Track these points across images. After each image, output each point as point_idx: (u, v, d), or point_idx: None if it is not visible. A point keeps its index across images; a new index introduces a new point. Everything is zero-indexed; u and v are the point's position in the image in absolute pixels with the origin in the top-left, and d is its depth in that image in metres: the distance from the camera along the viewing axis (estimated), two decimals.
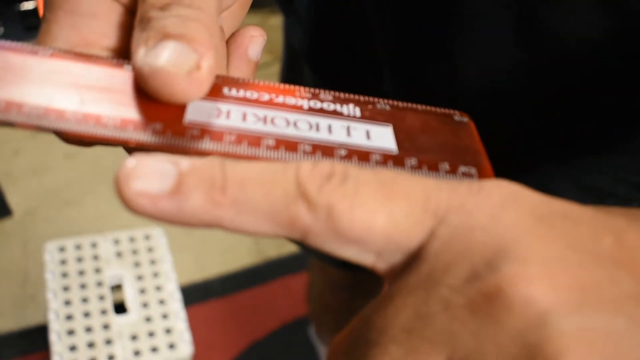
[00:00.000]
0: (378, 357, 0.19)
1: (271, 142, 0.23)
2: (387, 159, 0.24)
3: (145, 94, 0.23)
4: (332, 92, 0.26)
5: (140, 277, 1.18)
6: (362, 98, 0.26)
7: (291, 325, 1.38)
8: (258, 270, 1.50)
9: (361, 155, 0.24)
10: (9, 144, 1.68)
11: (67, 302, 1.12)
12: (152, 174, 0.19)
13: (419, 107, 0.27)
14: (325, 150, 0.23)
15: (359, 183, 0.20)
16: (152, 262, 1.21)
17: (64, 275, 1.16)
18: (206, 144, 0.23)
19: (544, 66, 0.43)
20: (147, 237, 1.24)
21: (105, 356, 1.05)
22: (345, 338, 0.22)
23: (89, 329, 1.09)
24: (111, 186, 1.60)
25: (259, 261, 1.52)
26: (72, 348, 1.06)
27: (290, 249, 1.54)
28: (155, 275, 1.19)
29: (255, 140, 0.23)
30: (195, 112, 0.24)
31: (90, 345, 1.07)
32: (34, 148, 1.68)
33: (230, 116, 0.24)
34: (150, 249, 1.23)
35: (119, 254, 1.21)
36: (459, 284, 0.19)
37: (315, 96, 0.26)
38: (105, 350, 1.06)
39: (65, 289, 1.14)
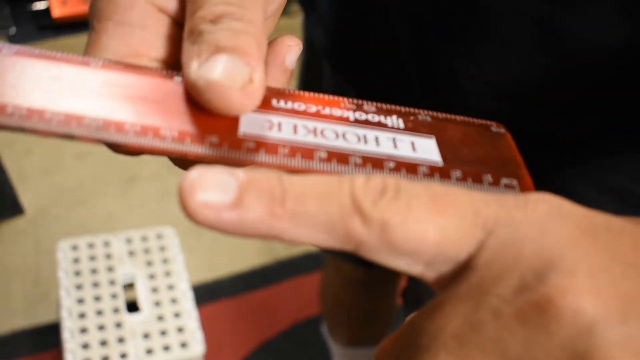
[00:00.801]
0: None
1: (323, 155, 0.24)
2: (433, 171, 0.24)
3: (198, 106, 0.24)
4: (374, 104, 0.27)
5: (152, 276, 1.18)
6: (403, 109, 0.27)
7: (302, 325, 1.39)
8: (269, 270, 1.51)
9: (409, 168, 0.24)
10: (21, 143, 1.69)
11: (80, 300, 1.12)
12: (215, 186, 0.20)
13: (458, 118, 0.27)
14: (374, 162, 0.24)
15: (410, 197, 0.21)
16: (164, 261, 1.21)
17: (77, 273, 1.16)
18: (262, 157, 0.23)
19: (564, 69, 0.44)
20: (159, 237, 1.25)
21: (118, 354, 1.06)
22: (393, 343, 0.22)
23: (101, 327, 1.09)
24: (122, 186, 1.61)
25: (270, 261, 1.52)
26: (85, 346, 1.06)
27: (301, 249, 1.54)
28: (167, 274, 1.19)
29: (308, 152, 0.24)
30: (249, 125, 0.24)
31: (103, 343, 1.07)
32: (45, 147, 1.69)
33: (282, 128, 0.24)
34: (162, 248, 1.23)
35: (131, 253, 1.21)
36: (509, 294, 0.20)
37: (359, 107, 0.26)
38: (117, 349, 1.06)
39: (78, 287, 1.14)
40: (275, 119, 0.25)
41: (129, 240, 1.23)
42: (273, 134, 0.24)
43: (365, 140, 0.25)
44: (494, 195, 0.21)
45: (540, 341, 0.19)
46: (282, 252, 1.54)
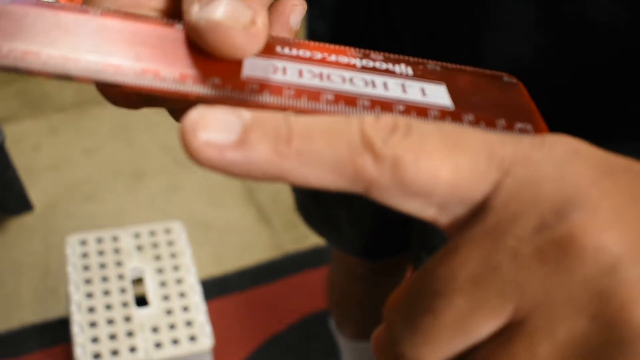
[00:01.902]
0: (443, 308, 0.20)
1: (330, 97, 0.23)
2: (444, 115, 0.24)
3: (200, 51, 0.23)
4: (382, 53, 0.26)
5: (160, 270, 1.19)
6: (411, 59, 0.26)
7: (310, 319, 1.39)
8: (276, 264, 1.51)
9: (419, 111, 0.23)
10: (29, 139, 1.69)
11: (89, 295, 1.13)
12: (218, 125, 0.19)
13: (468, 68, 0.27)
14: (383, 105, 0.23)
15: (423, 135, 0.20)
16: (173, 255, 1.21)
17: (86, 268, 1.17)
18: (266, 98, 0.22)
19: (565, 53, 0.44)
20: (167, 231, 1.25)
21: (127, 348, 1.06)
22: (406, 290, 0.21)
23: (110, 321, 1.10)
24: (130, 181, 1.61)
25: (278, 256, 1.52)
26: (94, 340, 1.07)
27: (309, 243, 1.54)
28: (176, 268, 1.20)
29: (314, 94, 0.23)
30: (252, 69, 0.23)
31: (112, 337, 1.08)
32: (54, 143, 1.70)
33: (287, 72, 0.24)
34: (170, 243, 1.23)
35: (139, 248, 1.22)
36: (527, 234, 0.19)
37: (366, 56, 0.26)
38: (126, 342, 1.07)
39: (87, 281, 1.15)
40: (279, 63, 0.24)
41: (137, 235, 1.24)
42: (277, 77, 0.23)
43: (374, 85, 0.24)
44: (510, 137, 0.21)
45: (560, 280, 0.19)
46: (289, 246, 1.54)
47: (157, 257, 1.21)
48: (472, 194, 0.20)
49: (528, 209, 0.19)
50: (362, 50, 0.26)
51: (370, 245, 0.81)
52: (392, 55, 0.26)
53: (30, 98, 1.81)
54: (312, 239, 1.54)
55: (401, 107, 0.23)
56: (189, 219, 1.50)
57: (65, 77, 0.21)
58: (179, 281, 1.18)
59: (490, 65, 0.46)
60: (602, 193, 0.19)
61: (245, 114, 0.19)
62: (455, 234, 0.21)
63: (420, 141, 0.20)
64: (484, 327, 0.20)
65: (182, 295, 1.15)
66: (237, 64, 0.23)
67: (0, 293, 1.38)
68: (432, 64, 0.26)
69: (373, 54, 0.26)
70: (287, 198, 1.61)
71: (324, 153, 0.19)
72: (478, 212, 0.20)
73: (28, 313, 1.35)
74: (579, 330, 0.19)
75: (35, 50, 0.22)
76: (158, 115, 1.81)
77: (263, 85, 0.23)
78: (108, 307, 1.12)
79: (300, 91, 0.23)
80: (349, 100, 0.23)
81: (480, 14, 0.45)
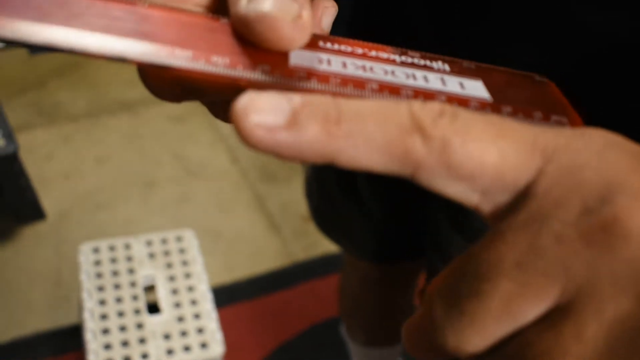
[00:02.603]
0: (489, 292, 0.20)
1: (375, 86, 0.24)
2: (484, 106, 0.24)
3: (248, 43, 0.24)
4: (418, 51, 0.27)
5: (172, 278, 1.20)
6: (447, 57, 0.27)
7: (320, 326, 1.39)
8: (286, 273, 1.51)
9: (460, 101, 0.24)
10: (42, 148, 1.71)
11: (102, 302, 1.14)
12: (268, 107, 0.19)
13: (500, 68, 0.27)
14: (426, 95, 0.24)
15: (469, 121, 0.20)
16: (184, 263, 1.22)
17: (98, 275, 1.18)
18: (314, 85, 0.23)
19: (575, 63, 0.44)
20: (178, 239, 1.26)
21: (139, 355, 1.07)
22: (449, 276, 0.22)
23: (123, 328, 1.10)
24: (141, 190, 1.63)
25: (287, 264, 1.53)
26: (107, 346, 1.08)
27: (318, 252, 1.55)
28: (187, 276, 1.20)
29: (359, 83, 0.24)
30: (299, 59, 0.24)
31: (125, 344, 1.08)
32: (66, 153, 1.71)
33: (331, 64, 0.24)
34: (182, 251, 1.24)
35: (151, 255, 1.23)
36: (572, 217, 0.19)
37: (404, 53, 0.26)
38: (138, 349, 1.08)
39: (100, 289, 1.16)
40: (324, 56, 0.25)
41: (149, 243, 1.25)
42: (323, 67, 0.24)
43: (414, 78, 0.25)
44: (550, 127, 0.21)
45: (605, 262, 0.19)
46: (299, 255, 1.55)
47: (169, 265, 1.22)
48: (516, 180, 0.20)
49: (571, 195, 0.20)
50: (400, 48, 0.27)
51: (383, 249, 0.82)
52: (428, 54, 0.27)
53: (43, 107, 1.83)
54: (321, 247, 1.55)
55: (443, 98, 0.24)
56: (200, 228, 1.51)
57: (120, 59, 0.22)
58: (190, 289, 1.18)
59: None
60: None
61: (295, 97, 0.20)
62: (497, 221, 0.21)
63: (467, 126, 0.20)
64: (530, 311, 0.20)
65: (193, 302, 1.16)
66: (284, 54, 0.24)
67: (13, 300, 1.39)
68: (467, 63, 0.27)
69: (410, 52, 0.27)
70: (296, 207, 1.62)
71: (374, 134, 0.20)
72: (521, 199, 0.21)
73: (41, 320, 1.36)
74: (625, 310, 0.19)
75: (91, 34, 0.22)
76: (170, 124, 1.82)
77: (310, 74, 0.23)
78: (120, 314, 1.13)
79: (346, 80, 0.24)
80: (393, 90, 0.24)
81: (489, 23, 0.45)
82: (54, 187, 1.61)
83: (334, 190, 0.78)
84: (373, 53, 0.26)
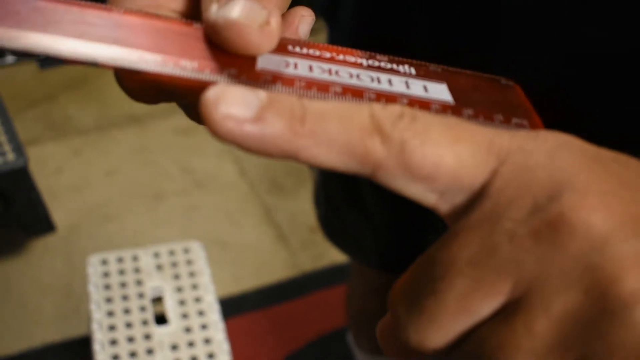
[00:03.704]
0: (445, 290, 0.21)
1: (338, 89, 0.25)
2: (445, 108, 0.25)
3: (218, 47, 0.25)
4: (386, 55, 0.28)
5: (179, 289, 1.21)
6: (414, 61, 0.28)
7: (327, 337, 1.40)
8: (294, 283, 1.52)
9: (422, 104, 0.25)
10: (52, 162, 1.73)
11: (110, 313, 1.15)
12: (238, 100, 0.20)
13: (467, 71, 0.28)
14: (388, 98, 0.25)
15: (428, 124, 0.21)
16: (191, 274, 1.23)
17: (107, 287, 1.19)
18: (279, 88, 0.24)
19: (576, 77, 0.45)
20: (186, 251, 1.27)
21: None
22: (409, 277, 0.23)
23: (131, 339, 1.11)
24: (149, 202, 1.64)
25: (295, 275, 1.53)
26: (115, 357, 1.09)
27: (326, 263, 1.55)
28: (195, 287, 1.21)
29: (323, 86, 0.25)
30: (266, 62, 0.25)
31: (132, 354, 1.09)
32: (76, 166, 1.73)
33: (298, 67, 0.25)
34: (189, 262, 1.25)
35: (159, 267, 1.24)
36: (522, 216, 0.20)
37: (372, 57, 0.27)
38: None
39: (108, 300, 1.17)
40: (291, 60, 0.26)
41: (156, 255, 1.26)
42: (289, 71, 0.25)
43: (379, 81, 0.26)
44: (507, 130, 0.22)
45: (554, 257, 0.20)
46: (307, 265, 1.55)
47: (177, 276, 1.23)
48: (472, 181, 0.21)
49: (522, 194, 0.21)
50: (368, 52, 0.28)
51: (388, 257, 0.82)
52: (396, 57, 0.28)
53: (53, 121, 1.85)
54: (329, 258, 1.55)
55: (405, 101, 0.25)
56: (208, 239, 1.52)
57: (91, 63, 0.23)
58: (197, 300, 1.19)
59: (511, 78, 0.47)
60: (591, 177, 0.21)
61: (262, 94, 0.21)
62: (454, 221, 0.22)
63: (426, 128, 0.21)
64: (484, 307, 0.21)
65: (200, 313, 1.17)
66: (252, 58, 0.25)
67: (23, 312, 1.40)
68: (433, 66, 0.28)
69: (378, 56, 0.28)
70: (304, 218, 1.62)
71: (336, 134, 0.21)
72: (476, 199, 0.22)
73: (50, 331, 1.37)
74: (573, 304, 0.20)
75: (65, 39, 0.23)
76: (177, 137, 1.83)
77: (276, 77, 0.24)
78: (128, 325, 1.14)
79: (311, 83, 0.25)
80: (356, 93, 0.25)
81: (493, 39, 0.46)
82: (63, 200, 1.63)
83: (339, 198, 0.79)
84: (341, 57, 0.27)
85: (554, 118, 0.47)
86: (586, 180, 0.21)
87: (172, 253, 1.26)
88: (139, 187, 1.69)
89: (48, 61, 1.99)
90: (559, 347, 0.20)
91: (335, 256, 1.53)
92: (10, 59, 1.96)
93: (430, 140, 0.21)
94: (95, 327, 1.12)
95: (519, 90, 0.28)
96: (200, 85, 0.23)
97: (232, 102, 0.20)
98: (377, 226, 0.77)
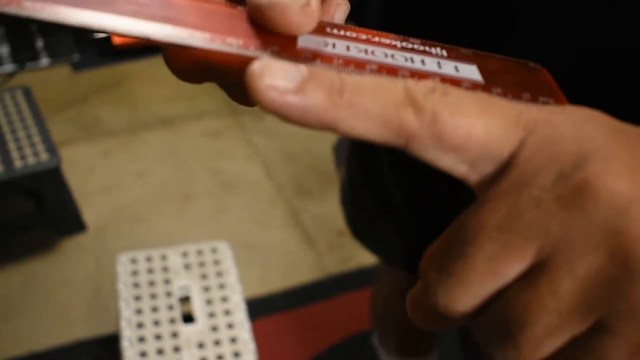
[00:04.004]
0: (474, 253, 0.22)
1: (374, 67, 0.26)
2: (475, 87, 0.26)
3: (261, 27, 0.26)
4: (419, 39, 0.29)
5: (207, 289, 1.22)
6: (446, 45, 0.29)
7: (353, 339, 1.40)
8: (321, 285, 1.52)
9: (453, 82, 0.26)
10: (84, 163, 1.76)
11: (138, 311, 1.17)
12: (281, 72, 0.22)
13: (497, 55, 0.29)
14: (421, 76, 0.26)
15: (459, 97, 0.22)
16: (219, 274, 1.25)
17: (135, 285, 1.21)
18: (318, 65, 0.25)
19: (581, 70, 0.45)
20: (213, 250, 1.28)
21: None
22: (439, 243, 0.24)
23: (158, 337, 1.13)
24: (178, 203, 1.66)
25: (321, 277, 1.54)
26: (143, 354, 1.10)
27: (352, 265, 1.55)
28: (221, 286, 1.22)
29: (360, 64, 0.26)
30: (306, 42, 0.26)
31: (160, 352, 1.11)
32: (107, 167, 1.76)
33: (336, 47, 0.26)
34: (216, 262, 1.27)
35: (187, 266, 1.25)
36: (549, 183, 0.21)
37: (405, 39, 0.28)
38: (173, 357, 1.10)
39: (137, 298, 1.19)
40: (329, 40, 0.27)
41: (185, 254, 1.27)
42: (328, 49, 0.26)
43: (412, 61, 0.27)
44: (534, 104, 0.23)
45: (579, 222, 0.21)
46: (333, 268, 1.56)
47: (204, 276, 1.24)
48: (501, 150, 0.22)
49: (549, 162, 0.21)
50: (402, 36, 0.29)
51: (416, 258, 0.83)
52: (428, 41, 0.29)
53: (85, 123, 1.88)
54: (355, 261, 1.55)
55: (437, 78, 0.26)
56: (235, 241, 1.53)
57: (145, 39, 0.24)
58: (224, 299, 1.20)
59: None
60: (616, 147, 0.21)
61: (304, 68, 0.22)
62: (483, 191, 0.23)
63: (457, 101, 0.22)
64: (511, 269, 0.22)
65: (227, 312, 1.18)
66: (293, 38, 0.26)
67: (53, 309, 1.43)
68: (464, 50, 0.29)
69: (412, 39, 0.29)
70: (331, 221, 1.63)
71: (372, 106, 0.22)
72: (505, 168, 0.22)
73: (80, 329, 1.39)
74: (596, 265, 0.21)
75: (120, 17, 0.25)
76: (207, 140, 1.86)
77: (315, 55, 0.26)
78: (156, 323, 1.15)
79: (348, 61, 0.26)
80: (390, 71, 0.26)
81: (506, 27, 0.47)
82: (94, 200, 1.66)
83: (367, 198, 0.80)
84: (376, 39, 0.28)
85: None
86: (610, 150, 0.21)
87: (200, 253, 1.28)
88: (168, 188, 1.71)
89: (81, 64, 2.03)
90: (583, 307, 0.21)
91: (362, 259, 1.53)
92: (44, 61, 2.00)
93: (461, 112, 0.22)
94: (123, 324, 1.14)
95: (546, 72, 0.29)
96: (246, 61, 0.25)
97: (275, 74, 0.21)
98: (404, 226, 0.77)
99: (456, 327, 0.26)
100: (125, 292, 1.19)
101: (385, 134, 0.22)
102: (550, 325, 0.22)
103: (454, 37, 0.52)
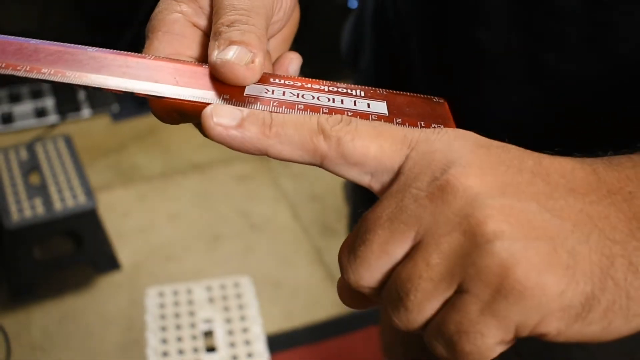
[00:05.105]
0: (371, 239, 0.29)
1: (301, 107, 0.33)
2: (380, 118, 0.33)
3: (217, 79, 0.34)
4: (345, 84, 0.36)
5: (229, 320, 1.29)
6: (366, 88, 0.36)
7: None
8: (343, 320, 1.57)
9: (362, 115, 0.33)
10: (120, 206, 1.86)
11: (164, 341, 1.24)
12: (226, 113, 0.30)
13: (408, 93, 0.36)
14: (337, 111, 0.33)
15: (358, 125, 0.30)
16: (240, 307, 1.31)
17: (162, 317, 1.28)
18: (258, 106, 0.33)
19: (551, 102, 0.51)
20: (236, 285, 1.36)
21: None
22: (351, 234, 0.31)
23: None
24: (208, 243, 1.74)
25: (345, 313, 1.59)
26: None
27: None
28: (243, 318, 1.29)
29: (291, 105, 0.33)
30: (251, 90, 0.34)
31: None
32: (142, 210, 1.86)
33: (274, 93, 0.34)
34: (238, 295, 1.34)
35: (210, 299, 1.33)
36: (424, 185, 0.29)
37: (333, 84, 0.36)
38: None
39: (163, 329, 1.26)
40: (270, 87, 0.35)
41: (209, 288, 1.35)
42: (268, 95, 0.34)
43: (333, 101, 0.34)
44: (421, 128, 0.31)
45: (443, 210, 0.28)
46: None
47: (226, 308, 1.31)
48: (392, 163, 0.30)
49: (425, 170, 0.29)
50: (330, 82, 0.37)
51: None
52: (352, 85, 0.36)
53: (122, 169, 2.00)
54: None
55: (350, 113, 0.33)
56: (261, 278, 1.60)
57: (129, 93, 0.33)
58: (245, 330, 1.27)
59: (495, 111, 0.52)
60: (473, 156, 0.29)
61: (244, 109, 0.30)
62: (382, 194, 0.30)
63: (356, 128, 0.30)
64: (398, 249, 0.29)
65: (247, 342, 1.24)
66: (242, 87, 0.34)
67: (89, 342, 1.51)
68: (380, 90, 0.36)
69: (338, 84, 0.36)
70: None
71: (293, 135, 0.30)
72: (395, 177, 0.30)
73: None
74: (455, 242, 0.28)
75: (112, 78, 0.34)
76: (236, 184, 1.94)
77: (256, 99, 0.34)
78: (180, 352, 1.22)
79: (282, 103, 0.33)
80: (314, 109, 0.33)
81: (483, 68, 0.53)
82: (129, 240, 1.75)
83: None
84: (309, 85, 0.36)
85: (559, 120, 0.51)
86: (469, 159, 0.29)
87: (223, 287, 1.35)
88: (199, 229, 1.79)
89: (120, 114, 2.15)
90: (448, 274, 0.28)
91: None
92: (86, 112, 2.13)
93: (359, 136, 0.30)
94: (150, 352, 1.21)
95: (446, 105, 0.36)
96: (204, 106, 0.33)
97: (222, 115, 0.30)
98: None
99: (373, 307, 0.33)
100: (152, 323, 1.27)
101: (305, 156, 0.30)
102: (427, 290, 0.28)
103: (435, 79, 0.57)
